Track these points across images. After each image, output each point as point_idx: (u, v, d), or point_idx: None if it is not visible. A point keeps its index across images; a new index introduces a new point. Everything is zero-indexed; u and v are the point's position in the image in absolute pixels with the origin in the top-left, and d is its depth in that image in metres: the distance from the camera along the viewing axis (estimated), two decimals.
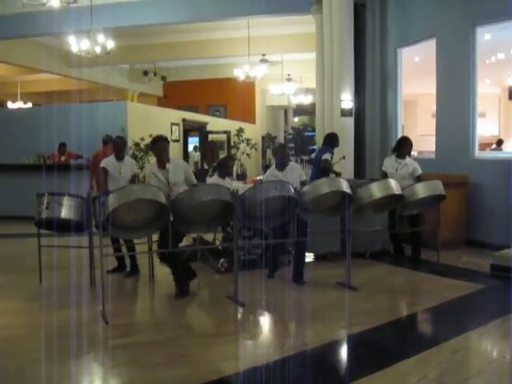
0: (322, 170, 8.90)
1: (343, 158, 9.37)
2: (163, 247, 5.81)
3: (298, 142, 20.89)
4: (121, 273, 7.11)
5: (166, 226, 5.55)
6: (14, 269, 7.64)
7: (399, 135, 10.78)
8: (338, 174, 8.96)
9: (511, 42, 7.26)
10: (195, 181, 6.44)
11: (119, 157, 7.26)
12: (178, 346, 4.62)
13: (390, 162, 7.65)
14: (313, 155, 10.21)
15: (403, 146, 7.64)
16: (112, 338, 4.75)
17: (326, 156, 9.03)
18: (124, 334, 4.90)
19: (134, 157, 13.30)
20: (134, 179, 7.30)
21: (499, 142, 12.48)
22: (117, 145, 7.33)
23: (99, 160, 7.77)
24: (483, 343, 4.85)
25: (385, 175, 7.50)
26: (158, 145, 6.20)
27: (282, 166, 6.70)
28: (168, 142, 6.35)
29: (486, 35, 8.85)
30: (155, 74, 22.28)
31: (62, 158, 12.48)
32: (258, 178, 11.03)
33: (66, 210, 6.04)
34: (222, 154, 18.70)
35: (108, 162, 7.26)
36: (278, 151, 6.90)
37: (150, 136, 13.45)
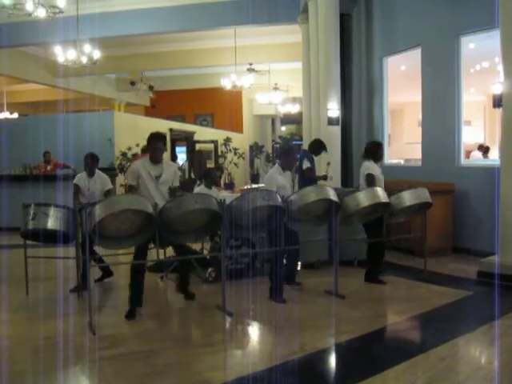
0: (308, 180, 8.73)
1: (328, 164, 9.08)
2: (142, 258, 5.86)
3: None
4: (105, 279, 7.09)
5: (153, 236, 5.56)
6: None
7: (386, 143, 10.86)
8: (325, 177, 8.86)
9: (495, 50, 7.33)
10: (177, 184, 6.38)
11: (90, 173, 7.24)
12: (166, 356, 4.60)
13: (375, 167, 7.21)
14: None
15: (380, 150, 7.36)
16: (99, 349, 4.71)
17: (306, 164, 8.90)
18: (111, 345, 4.87)
19: (121, 167, 13.29)
20: (108, 195, 7.21)
21: (486, 150, 12.54)
22: (86, 161, 7.28)
23: None
24: (470, 350, 4.87)
25: (373, 179, 7.08)
26: (158, 143, 6.18)
27: (288, 168, 6.68)
28: (166, 141, 6.43)
29: (470, 44, 8.95)
30: (142, 81, 22.24)
31: (48, 168, 12.44)
32: (246, 186, 11.01)
33: (53, 221, 6.02)
34: (210, 164, 18.71)
35: (80, 178, 7.27)
36: (287, 153, 6.75)
37: (137, 146, 13.62)
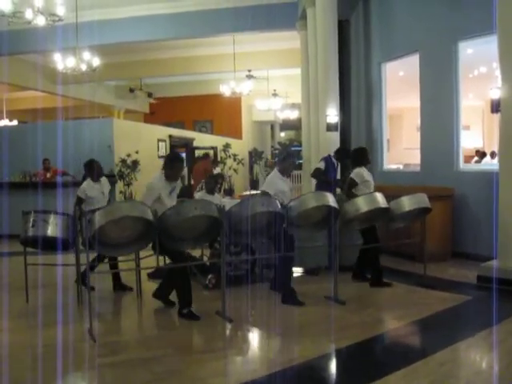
0: (322, 183, 8.55)
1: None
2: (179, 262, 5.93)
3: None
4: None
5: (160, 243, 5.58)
6: None
7: (385, 149, 10.88)
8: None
9: (493, 55, 7.36)
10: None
11: (96, 179, 7.24)
12: (167, 363, 4.60)
13: (367, 173, 7.32)
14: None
15: (367, 155, 7.49)
16: (100, 356, 4.71)
17: (319, 165, 8.86)
18: (112, 352, 4.87)
19: (121, 173, 13.31)
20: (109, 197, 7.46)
21: (492, 154, 12.61)
22: (98, 167, 7.30)
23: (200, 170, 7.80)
24: (471, 355, 4.87)
25: (354, 185, 7.16)
26: (180, 164, 6.34)
27: (286, 174, 6.85)
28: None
29: (468, 50, 8.98)
30: (141, 89, 22.33)
31: (48, 175, 12.46)
32: (246, 192, 11.00)
33: (53, 228, 6.02)
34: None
35: (86, 188, 7.14)
36: (286, 159, 6.93)
37: (137, 152, 13.66)
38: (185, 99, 24.00)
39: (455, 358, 4.67)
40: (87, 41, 12.91)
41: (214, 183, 8.13)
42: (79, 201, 7.09)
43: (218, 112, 24.12)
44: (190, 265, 7.40)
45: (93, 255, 6.44)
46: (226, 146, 20.18)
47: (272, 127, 28.65)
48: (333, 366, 4.77)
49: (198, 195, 8.16)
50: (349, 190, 7.12)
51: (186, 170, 19.31)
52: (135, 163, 13.61)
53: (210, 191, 7.91)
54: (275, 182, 6.65)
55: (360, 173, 7.23)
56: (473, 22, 8.26)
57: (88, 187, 7.16)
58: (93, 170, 7.26)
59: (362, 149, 7.76)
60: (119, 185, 13.40)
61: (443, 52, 8.90)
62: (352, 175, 7.28)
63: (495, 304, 5.75)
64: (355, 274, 7.36)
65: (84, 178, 7.34)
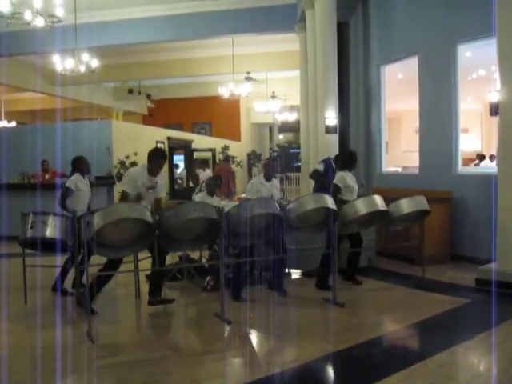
0: (321, 186, 8.56)
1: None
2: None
3: (283, 158, 21.05)
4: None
5: (153, 244, 5.59)
6: None
7: (383, 152, 10.89)
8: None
9: (492, 58, 7.38)
10: (164, 195, 6.75)
11: (84, 175, 7.24)
12: (165, 364, 4.59)
13: (350, 178, 7.29)
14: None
15: (355, 161, 7.50)
16: (98, 358, 4.70)
17: (318, 167, 8.89)
18: (110, 353, 4.86)
19: (119, 175, 13.31)
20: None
21: (491, 157, 12.62)
22: (86, 163, 7.30)
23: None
24: (469, 357, 4.87)
25: (338, 190, 7.13)
26: (161, 161, 6.49)
27: (269, 177, 7.18)
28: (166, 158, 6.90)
29: (466, 53, 9.00)
30: (140, 93, 22.36)
31: (46, 177, 12.45)
32: (244, 195, 10.98)
33: (51, 229, 6.01)
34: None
35: (76, 181, 7.07)
36: (267, 164, 7.43)
37: (135, 154, 13.67)
38: (183, 101, 24.01)
39: (454, 361, 4.67)
40: (86, 42, 12.91)
41: (215, 185, 8.15)
42: (67, 192, 6.97)
43: (216, 114, 24.14)
44: (188, 266, 7.41)
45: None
46: (225, 148, 20.21)
47: (270, 129, 28.66)
48: (331, 368, 4.76)
49: (198, 196, 8.17)
50: (334, 195, 6.93)
51: (184, 173, 19.37)
52: (134, 165, 13.61)
53: (211, 193, 7.93)
54: (255, 187, 6.95)
55: (343, 177, 7.21)
56: (472, 25, 8.27)
57: (75, 181, 7.09)
58: (82, 165, 7.23)
59: (351, 153, 7.74)
60: (118, 186, 13.39)
61: (442, 55, 8.91)
62: (335, 180, 7.27)
63: (494, 307, 5.76)
64: (347, 276, 7.34)
65: (72, 174, 7.27)
